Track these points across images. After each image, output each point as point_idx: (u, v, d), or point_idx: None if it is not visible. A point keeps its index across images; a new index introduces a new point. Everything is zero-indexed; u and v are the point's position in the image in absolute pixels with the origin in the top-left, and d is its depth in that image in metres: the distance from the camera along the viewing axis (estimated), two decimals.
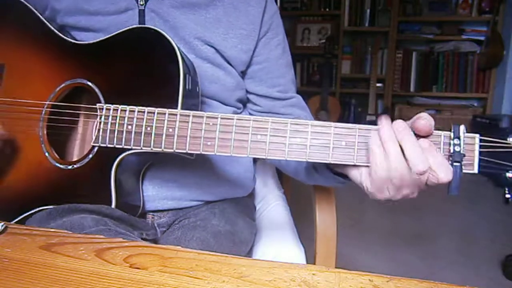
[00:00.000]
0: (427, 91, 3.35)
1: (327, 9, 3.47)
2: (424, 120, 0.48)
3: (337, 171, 0.58)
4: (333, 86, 3.51)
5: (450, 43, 3.27)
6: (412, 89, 3.37)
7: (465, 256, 1.81)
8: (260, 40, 0.76)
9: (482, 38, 3.14)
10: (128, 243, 0.48)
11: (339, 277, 0.40)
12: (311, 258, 0.79)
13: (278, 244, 0.83)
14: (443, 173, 0.47)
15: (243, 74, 0.78)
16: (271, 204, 0.97)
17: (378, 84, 3.39)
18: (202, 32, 0.71)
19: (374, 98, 3.31)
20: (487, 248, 1.88)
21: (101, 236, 0.50)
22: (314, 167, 0.64)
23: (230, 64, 0.74)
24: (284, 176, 1.15)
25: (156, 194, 0.73)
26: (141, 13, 0.70)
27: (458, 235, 2.01)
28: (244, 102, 0.82)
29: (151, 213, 0.75)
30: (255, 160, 0.87)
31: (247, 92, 0.80)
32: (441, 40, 3.30)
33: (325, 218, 0.80)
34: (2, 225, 0.51)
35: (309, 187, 0.85)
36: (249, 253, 0.81)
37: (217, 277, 0.41)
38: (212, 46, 0.72)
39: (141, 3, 0.70)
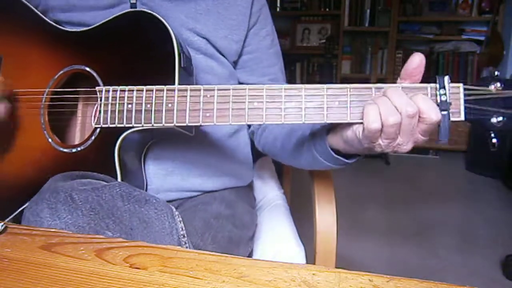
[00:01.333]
0: None
1: (327, 9, 3.47)
2: (416, 57, 0.51)
3: (337, 149, 0.60)
4: None
5: (450, 43, 3.27)
6: None
7: (465, 255, 1.81)
8: (250, 31, 0.78)
9: (482, 38, 3.14)
10: (128, 243, 0.48)
11: (339, 277, 0.40)
12: (311, 258, 0.79)
13: (278, 244, 0.83)
14: (434, 113, 0.49)
15: (235, 64, 0.80)
16: (271, 204, 0.97)
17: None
18: (193, 23, 0.73)
19: None
20: (487, 247, 1.88)
21: (101, 236, 0.50)
22: (314, 146, 0.65)
23: (222, 55, 0.77)
24: (284, 176, 1.15)
25: (160, 186, 0.75)
26: (133, 7, 0.72)
27: (458, 235, 2.01)
28: None
29: None
30: (254, 155, 0.88)
31: (239, 82, 0.83)
32: (441, 40, 3.30)
33: (325, 218, 0.80)
34: (2, 225, 0.51)
35: (309, 187, 0.85)
36: (251, 241, 0.82)
37: (217, 277, 0.41)
38: (203, 37, 0.74)
39: None
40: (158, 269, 0.42)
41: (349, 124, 0.55)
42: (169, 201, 0.76)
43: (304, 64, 3.61)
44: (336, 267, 0.46)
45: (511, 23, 2.91)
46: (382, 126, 0.50)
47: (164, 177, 0.75)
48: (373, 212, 2.24)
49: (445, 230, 2.06)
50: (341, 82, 3.27)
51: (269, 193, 1.02)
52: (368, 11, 3.37)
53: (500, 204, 2.35)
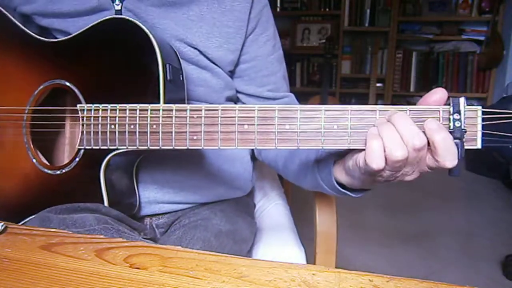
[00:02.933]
0: (427, 91, 3.31)
1: (327, 9, 3.47)
2: (439, 93, 0.47)
3: (340, 181, 0.58)
4: (333, 86, 3.51)
5: (450, 43, 3.27)
6: (412, 89, 3.36)
7: (465, 255, 1.81)
8: (248, 38, 0.72)
9: (482, 38, 3.14)
10: (128, 243, 0.48)
11: (339, 277, 0.40)
12: (311, 258, 0.79)
13: (278, 244, 0.83)
14: (449, 160, 0.44)
15: (231, 73, 0.75)
16: (271, 204, 0.97)
17: (378, 84, 3.39)
18: (183, 33, 0.67)
19: (374, 98, 3.31)
20: (487, 247, 1.88)
21: (101, 236, 0.50)
22: (319, 175, 0.62)
23: (217, 65, 0.71)
24: None
25: (153, 199, 0.72)
26: (118, 14, 0.67)
27: (458, 235, 2.01)
28: (234, 101, 0.80)
29: (149, 217, 0.75)
30: (254, 158, 0.87)
31: (236, 91, 0.78)
32: (441, 40, 3.30)
33: (325, 218, 0.80)
34: (2, 225, 0.51)
35: None
36: (249, 253, 0.81)
37: (217, 277, 0.41)
38: (195, 48, 0.69)
39: (117, 3, 0.66)
40: (158, 269, 0.42)
41: (352, 154, 0.51)
42: (163, 214, 0.74)
43: (304, 64, 3.61)
44: (336, 267, 0.45)
45: (511, 23, 2.90)
46: (386, 162, 0.45)
47: (156, 190, 0.72)
48: (373, 212, 2.24)
49: (445, 230, 2.06)
50: (341, 82, 3.25)
51: (270, 192, 1.02)
52: (368, 11, 3.37)
53: (500, 204, 2.35)
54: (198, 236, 0.68)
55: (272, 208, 0.96)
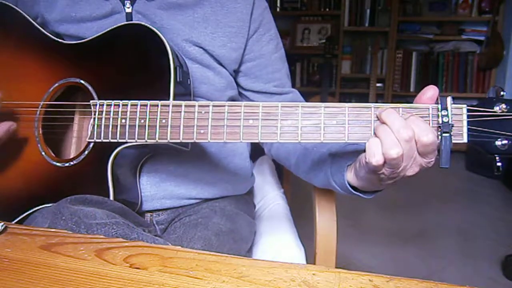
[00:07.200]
0: None
1: (327, 9, 3.47)
2: (431, 91, 0.50)
3: (351, 184, 0.60)
4: (333, 86, 3.51)
5: (450, 43, 3.27)
6: (412, 89, 3.36)
7: (465, 255, 1.81)
8: (251, 38, 0.76)
9: (482, 38, 3.14)
10: (128, 243, 0.48)
11: (339, 277, 0.40)
12: (311, 258, 0.79)
13: (278, 244, 0.83)
14: (425, 136, 0.48)
15: (236, 73, 0.78)
16: (271, 204, 0.97)
17: (378, 84, 3.39)
18: (189, 33, 0.71)
19: (374, 98, 3.30)
20: (487, 247, 1.88)
21: (101, 236, 0.50)
22: (332, 176, 0.64)
23: (221, 64, 0.75)
24: (284, 176, 1.15)
25: (154, 194, 0.73)
26: (128, 16, 0.70)
27: (458, 235, 2.01)
28: (236, 101, 0.82)
29: (149, 212, 0.75)
30: (252, 157, 0.87)
31: (244, 89, 0.80)
32: (441, 40, 3.29)
33: (325, 218, 0.79)
34: (2, 225, 0.51)
35: (309, 187, 0.85)
36: (249, 252, 0.81)
37: (217, 277, 0.41)
38: (200, 47, 0.72)
39: (128, 6, 0.70)
40: (158, 269, 0.42)
41: (360, 156, 0.54)
42: (164, 209, 0.76)
43: (304, 64, 3.61)
44: (336, 267, 0.46)
45: (511, 23, 2.90)
46: (385, 160, 0.49)
47: (158, 184, 0.73)
48: (373, 212, 2.24)
49: (445, 230, 2.06)
50: (341, 82, 3.25)
51: (269, 193, 1.02)
52: (368, 11, 3.37)
53: (500, 204, 2.35)
54: (198, 235, 0.69)
55: (272, 208, 0.96)
